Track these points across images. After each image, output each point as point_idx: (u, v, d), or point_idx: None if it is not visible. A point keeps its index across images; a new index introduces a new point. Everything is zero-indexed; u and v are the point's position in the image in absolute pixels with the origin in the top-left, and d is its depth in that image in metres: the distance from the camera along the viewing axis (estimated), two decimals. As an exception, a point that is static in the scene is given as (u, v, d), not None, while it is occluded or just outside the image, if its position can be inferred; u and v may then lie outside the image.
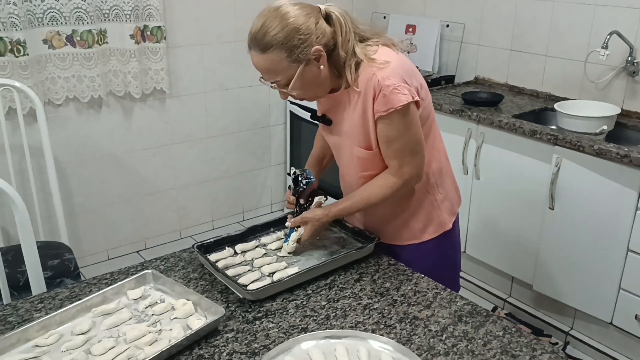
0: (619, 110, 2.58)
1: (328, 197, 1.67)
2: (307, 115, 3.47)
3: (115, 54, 2.89)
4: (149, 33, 2.95)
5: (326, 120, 1.61)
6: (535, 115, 2.84)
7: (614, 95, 2.77)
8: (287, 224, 1.61)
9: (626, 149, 2.23)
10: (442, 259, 1.67)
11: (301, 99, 1.55)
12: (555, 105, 2.67)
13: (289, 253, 1.57)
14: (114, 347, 1.20)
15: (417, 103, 1.46)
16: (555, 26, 2.94)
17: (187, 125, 3.35)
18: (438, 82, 3.30)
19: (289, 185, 1.70)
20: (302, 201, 1.65)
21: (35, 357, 1.17)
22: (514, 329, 1.28)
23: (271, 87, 1.51)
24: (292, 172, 1.67)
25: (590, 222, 2.39)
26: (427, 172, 1.58)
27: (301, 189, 1.64)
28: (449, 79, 3.37)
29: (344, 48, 1.45)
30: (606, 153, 2.25)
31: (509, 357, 1.19)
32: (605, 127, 2.47)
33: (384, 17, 3.76)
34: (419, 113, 1.48)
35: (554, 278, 2.59)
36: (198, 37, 3.23)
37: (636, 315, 2.32)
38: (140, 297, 1.38)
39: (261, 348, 1.21)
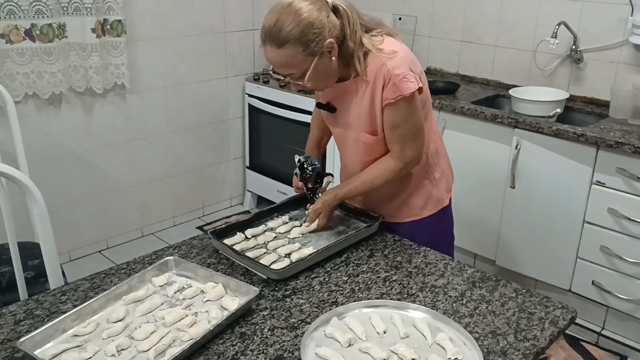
0: (567, 95, 2.80)
1: (334, 175, 1.75)
2: (266, 108, 3.51)
3: (75, 49, 2.81)
4: (109, 27, 2.89)
5: (331, 108, 1.67)
6: (490, 102, 3.03)
7: (560, 82, 3.00)
8: (306, 220, 1.69)
9: (581, 129, 2.44)
10: (440, 233, 1.78)
11: (312, 90, 1.61)
12: (510, 91, 2.86)
13: (312, 232, 1.66)
14: (154, 331, 1.22)
15: (420, 89, 1.55)
16: (503, 18, 3.13)
17: (148, 121, 3.31)
18: (394, 73, 3.43)
19: (295, 172, 1.76)
20: (310, 185, 1.72)
21: (78, 346, 1.17)
22: (524, 290, 1.40)
23: (285, 80, 1.56)
24: (296, 160, 1.73)
25: (549, 198, 2.59)
26: (426, 152, 1.68)
27: (308, 175, 1.71)
28: (404, 70, 3.50)
29: (352, 39, 1.52)
30: (564, 133, 2.45)
31: (527, 314, 1.31)
32: (558, 110, 2.68)
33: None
34: (420, 99, 1.58)
35: (516, 252, 2.79)
36: (157, 31, 3.19)
37: (593, 281, 2.54)
38: (165, 284, 1.39)
39: (299, 322, 1.27)
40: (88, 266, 3.13)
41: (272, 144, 3.63)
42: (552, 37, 2.79)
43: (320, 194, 1.72)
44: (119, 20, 2.90)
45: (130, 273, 1.45)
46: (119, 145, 3.21)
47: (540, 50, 3.01)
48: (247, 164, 3.83)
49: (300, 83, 1.54)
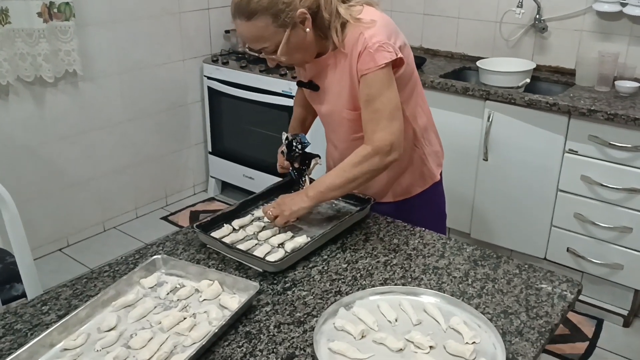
0: (534, 65, 2.81)
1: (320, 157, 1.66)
2: (227, 90, 3.38)
3: (21, 35, 2.61)
4: (56, 10, 2.69)
5: (313, 86, 1.59)
6: (457, 75, 3.00)
7: (525, 52, 3.00)
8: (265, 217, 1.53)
9: (552, 99, 2.45)
10: (432, 210, 1.74)
11: (289, 65, 1.53)
12: (478, 63, 2.84)
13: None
14: (152, 338, 1.13)
15: (400, 61, 1.49)
16: (465, -11, 3.10)
17: (104, 110, 3.13)
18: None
19: (282, 151, 1.66)
20: (296, 165, 1.63)
21: (70, 361, 1.07)
22: (526, 265, 1.38)
23: (259, 55, 1.47)
24: (284, 137, 1.64)
25: (522, 168, 2.60)
26: (414, 127, 1.62)
27: (297, 154, 1.62)
28: (367, 46, 3.44)
29: (327, 9, 1.45)
30: (536, 103, 2.45)
31: (534, 290, 1.29)
32: (527, 80, 2.68)
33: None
34: (401, 72, 1.52)
35: (490, 224, 2.80)
36: (108, 14, 3.00)
37: (567, 248, 2.58)
38: (156, 285, 1.30)
39: (305, 316, 1.20)
40: (50, 266, 2.97)
41: (235, 127, 3.52)
42: (517, 6, 2.78)
43: (307, 177, 1.64)
44: (67, 3, 2.70)
45: (114, 276, 1.35)
46: (74, 136, 3.03)
47: (505, 20, 3.00)
48: (210, 149, 3.70)
49: (274, 57, 1.46)
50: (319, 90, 1.59)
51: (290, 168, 1.65)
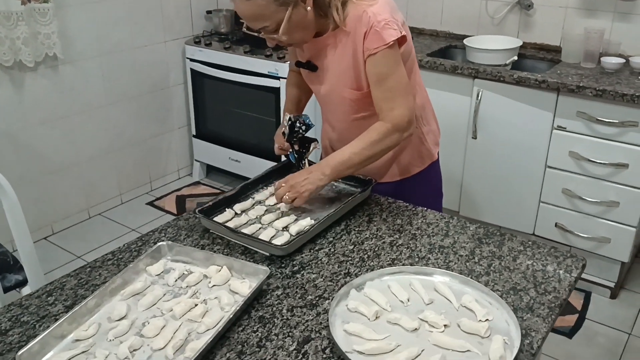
0: (521, 42, 2.82)
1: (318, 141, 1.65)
2: (211, 71, 3.33)
3: (-3, 18, 2.52)
4: (33, -9, 2.60)
5: (311, 66, 1.57)
6: (443, 53, 3.00)
7: (510, 29, 3.01)
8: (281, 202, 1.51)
9: (541, 76, 2.46)
10: (430, 188, 1.75)
11: (288, 45, 1.51)
12: (465, 41, 2.84)
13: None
14: (165, 325, 1.12)
15: (402, 39, 1.48)
16: (450, -34, 3.09)
17: (84, 93, 3.06)
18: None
19: (283, 131, 1.63)
20: (296, 147, 1.61)
21: (84, 352, 1.05)
22: (530, 242, 1.40)
23: (258, 35, 1.44)
24: (287, 119, 1.61)
25: (511, 146, 2.62)
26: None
27: (300, 135, 1.59)
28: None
29: None
30: (525, 81, 2.47)
31: (540, 266, 1.31)
32: (515, 58, 2.70)
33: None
34: (402, 50, 1.51)
35: (479, 202, 2.83)
36: (87, -6, 2.92)
37: (556, 223, 2.62)
38: (163, 272, 1.28)
39: (317, 299, 1.20)
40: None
41: (220, 109, 3.47)
42: (503, -16, 2.78)
43: (306, 160, 1.63)
44: (45, -16, 2.62)
45: (118, 264, 1.33)
46: (55, 121, 2.95)
47: (490, -3, 3.00)
48: (194, 132, 3.65)
49: (274, 37, 1.43)
50: (317, 70, 1.57)
51: (290, 150, 1.63)
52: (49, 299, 1.21)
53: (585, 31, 2.62)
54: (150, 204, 3.45)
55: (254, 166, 3.31)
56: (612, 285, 2.61)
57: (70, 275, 1.29)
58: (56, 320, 1.13)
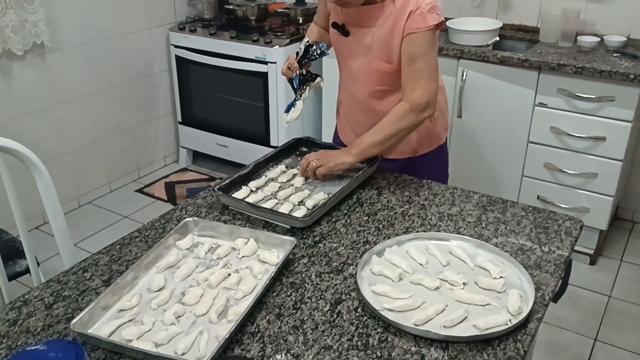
0: (501, 24, 2.93)
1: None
2: (196, 57, 3.35)
3: (-14, 6, 2.50)
4: (20, -21, 2.59)
5: (344, 31, 1.64)
6: (426, 35, 3.09)
7: (489, 11, 3.12)
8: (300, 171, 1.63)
9: (523, 55, 2.58)
10: (436, 170, 1.84)
11: (343, 4, 1.57)
12: (448, 23, 2.93)
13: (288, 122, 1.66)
14: (203, 294, 1.18)
15: (441, 24, 1.55)
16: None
17: (71, 82, 3.05)
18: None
19: (297, 51, 1.67)
20: (304, 71, 1.67)
21: (130, 320, 1.11)
22: (530, 208, 1.51)
23: None
24: (305, 41, 1.66)
25: (495, 123, 2.74)
26: None
27: (313, 58, 1.64)
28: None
29: None
30: (508, 60, 2.58)
31: (542, 228, 1.41)
32: (497, 38, 2.80)
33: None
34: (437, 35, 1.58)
35: (464, 179, 2.92)
36: (72, -18, 2.91)
37: (538, 195, 2.76)
38: (192, 246, 1.34)
39: (341, 265, 1.28)
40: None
41: (205, 95, 3.50)
42: (484, -33, 2.88)
43: (308, 87, 1.67)
44: (31, -29, 2.61)
45: (146, 240, 1.38)
46: (43, 110, 2.95)
47: (469, -19, 3.10)
48: (179, 119, 3.67)
49: None
50: (348, 36, 1.64)
51: (296, 73, 1.67)
52: (85, 274, 1.26)
53: (563, 12, 2.74)
54: (140, 191, 3.47)
55: (242, 151, 3.36)
56: (591, 252, 2.76)
57: (101, 252, 1.34)
58: (97, 293, 1.19)
